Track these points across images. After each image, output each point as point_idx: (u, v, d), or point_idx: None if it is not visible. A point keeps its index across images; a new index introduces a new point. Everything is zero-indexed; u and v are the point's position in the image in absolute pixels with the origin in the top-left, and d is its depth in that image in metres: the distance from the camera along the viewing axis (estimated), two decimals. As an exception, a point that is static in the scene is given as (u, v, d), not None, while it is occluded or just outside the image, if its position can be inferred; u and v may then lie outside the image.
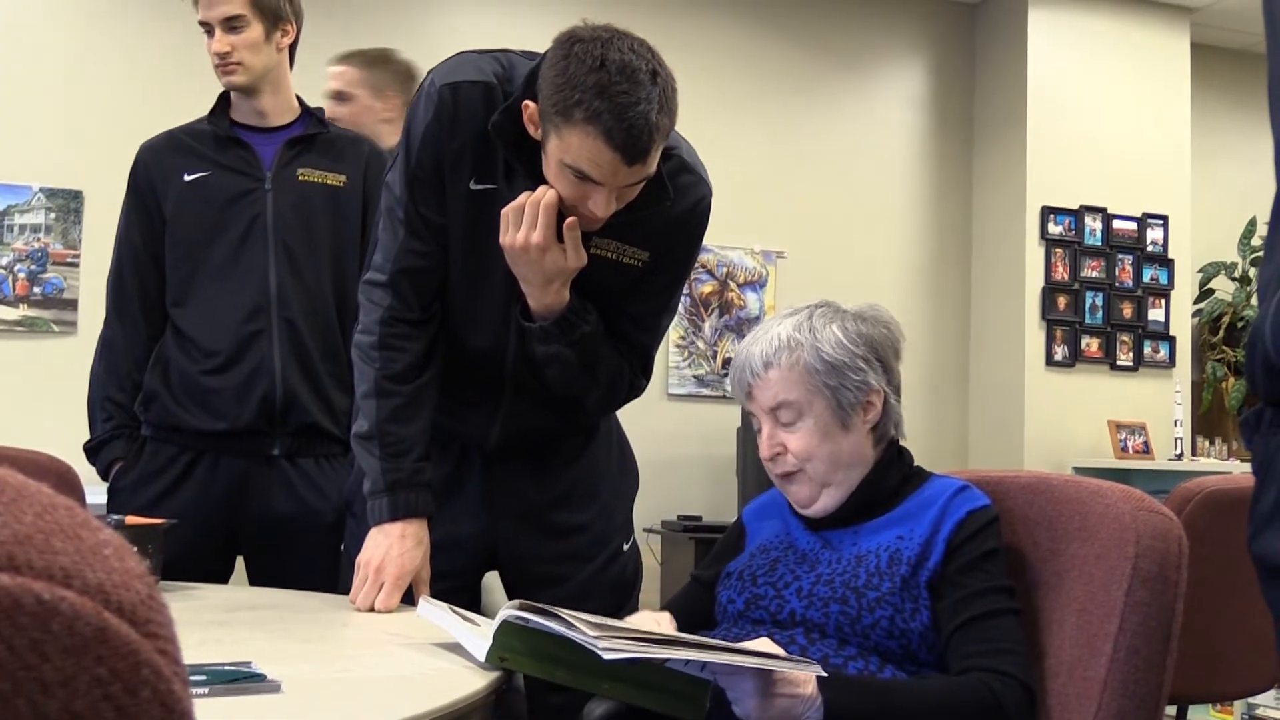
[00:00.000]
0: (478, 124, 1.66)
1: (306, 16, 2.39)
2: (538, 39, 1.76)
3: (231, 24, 2.23)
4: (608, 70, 1.49)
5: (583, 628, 1.15)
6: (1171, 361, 5.63)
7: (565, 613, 1.20)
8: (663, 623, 1.49)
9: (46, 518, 0.39)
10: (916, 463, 1.62)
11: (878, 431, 1.56)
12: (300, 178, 2.29)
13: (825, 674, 1.24)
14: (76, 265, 4.67)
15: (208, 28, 2.26)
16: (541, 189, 1.62)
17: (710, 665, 1.22)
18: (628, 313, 1.80)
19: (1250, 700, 4.27)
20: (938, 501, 1.48)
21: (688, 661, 1.23)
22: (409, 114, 1.74)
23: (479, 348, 1.79)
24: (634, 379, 1.84)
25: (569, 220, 1.63)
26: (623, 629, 1.19)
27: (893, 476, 1.56)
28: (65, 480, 2.43)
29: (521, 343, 1.75)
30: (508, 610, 1.26)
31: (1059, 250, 5.48)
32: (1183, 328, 5.70)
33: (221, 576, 2.28)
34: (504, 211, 1.64)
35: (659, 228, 1.73)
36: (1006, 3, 5.64)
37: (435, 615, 1.46)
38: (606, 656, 1.12)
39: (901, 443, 1.61)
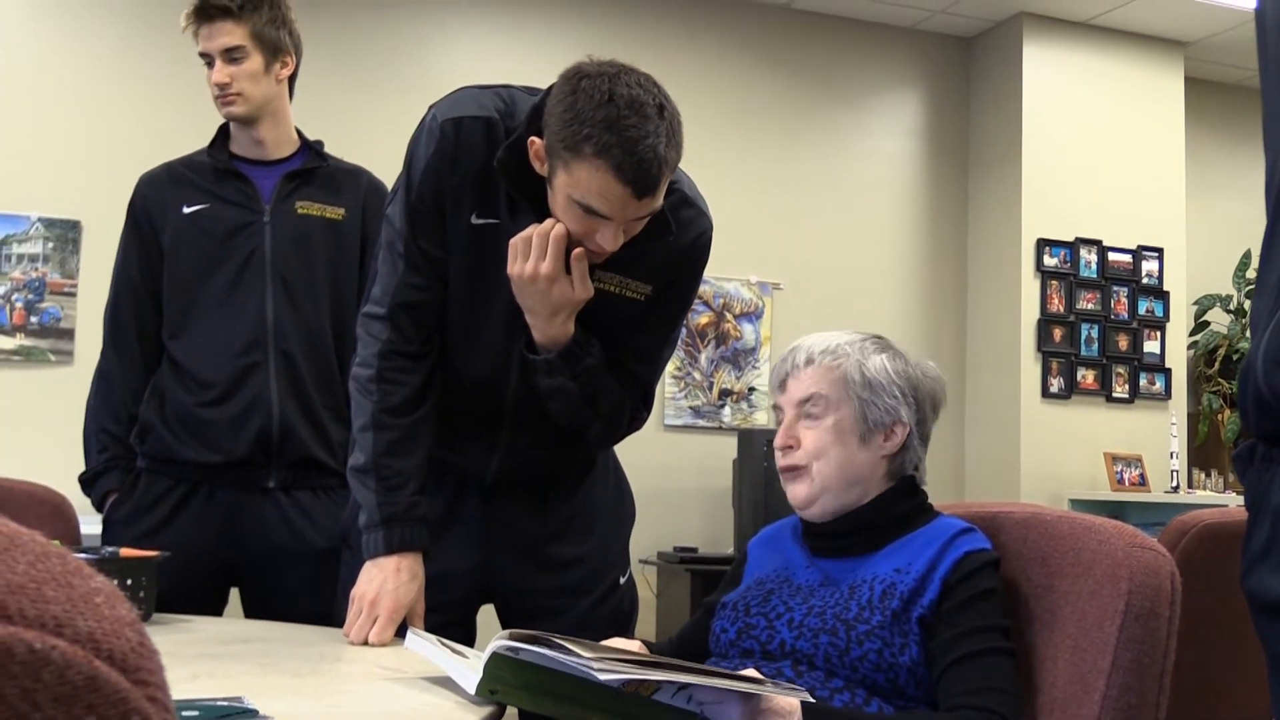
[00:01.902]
0: (480, 159, 1.67)
1: (307, 50, 2.41)
2: (537, 75, 1.77)
3: (231, 55, 2.25)
4: (616, 105, 1.50)
5: (578, 650, 1.16)
6: (1167, 394, 5.64)
7: (557, 637, 1.20)
8: (632, 648, 1.48)
9: (39, 566, 0.40)
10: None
11: (893, 462, 1.57)
12: (299, 211, 2.30)
13: (812, 701, 1.24)
14: (74, 295, 4.68)
15: (208, 59, 2.28)
16: (549, 220, 1.63)
17: (697, 695, 1.22)
18: (629, 346, 1.80)
19: (1248, 734, 4.25)
20: (939, 540, 1.48)
21: (676, 691, 1.23)
22: (410, 148, 1.75)
23: (479, 381, 1.79)
24: (635, 411, 1.84)
25: (576, 251, 1.63)
26: (615, 652, 1.19)
27: (901, 508, 1.57)
28: (59, 511, 2.42)
29: (522, 375, 1.76)
30: (498, 641, 1.26)
31: (1054, 282, 5.50)
32: (1178, 360, 5.72)
33: (216, 608, 2.27)
34: (512, 242, 1.64)
35: (661, 261, 1.74)
36: (1002, 36, 5.68)
37: (423, 648, 1.46)
38: (602, 677, 1.12)
39: (921, 486, 1.62)
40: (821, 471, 1.55)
